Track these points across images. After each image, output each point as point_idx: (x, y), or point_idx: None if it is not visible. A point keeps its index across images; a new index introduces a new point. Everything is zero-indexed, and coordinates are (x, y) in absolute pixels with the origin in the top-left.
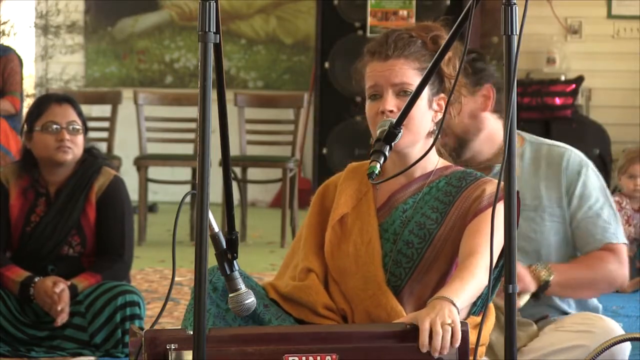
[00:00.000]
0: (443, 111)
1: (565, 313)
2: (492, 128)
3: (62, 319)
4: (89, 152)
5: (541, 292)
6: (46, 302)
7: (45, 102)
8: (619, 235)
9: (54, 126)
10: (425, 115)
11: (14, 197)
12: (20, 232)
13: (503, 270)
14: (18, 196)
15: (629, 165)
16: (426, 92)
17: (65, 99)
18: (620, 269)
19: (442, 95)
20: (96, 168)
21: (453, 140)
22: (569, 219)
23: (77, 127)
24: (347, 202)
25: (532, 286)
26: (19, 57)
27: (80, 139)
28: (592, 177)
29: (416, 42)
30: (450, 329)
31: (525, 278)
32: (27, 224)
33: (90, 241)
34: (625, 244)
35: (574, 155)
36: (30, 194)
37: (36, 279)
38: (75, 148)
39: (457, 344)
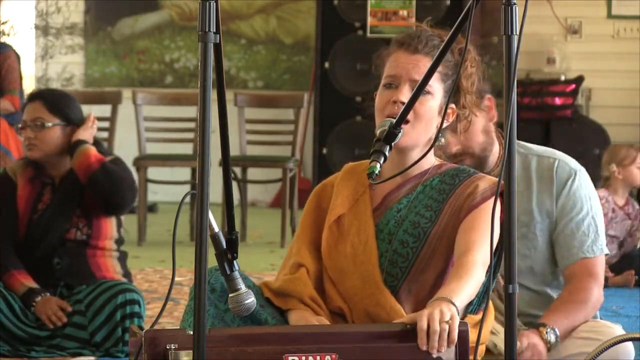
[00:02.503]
0: (446, 117)
1: None
2: (500, 139)
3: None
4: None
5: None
6: (44, 319)
7: (26, 101)
8: (596, 247)
9: (21, 124)
10: (434, 118)
11: (21, 187)
12: (28, 219)
13: (498, 265)
14: (25, 185)
15: None
16: (442, 96)
17: (39, 95)
18: (599, 291)
19: (453, 106)
20: None
21: (474, 161)
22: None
23: (43, 122)
24: (343, 202)
25: (544, 351)
26: (16, 53)
27: (47, 134)
28: (579, 186)
29: None
30: (447, 327)
31: (541, 349)
32: (34, 211)
33: (97, 224)
34: (602, 254)
35: (562, 164)
36: (37, 183)
37: (38, 298)
38: (41, 144)
39: (454, 341)
